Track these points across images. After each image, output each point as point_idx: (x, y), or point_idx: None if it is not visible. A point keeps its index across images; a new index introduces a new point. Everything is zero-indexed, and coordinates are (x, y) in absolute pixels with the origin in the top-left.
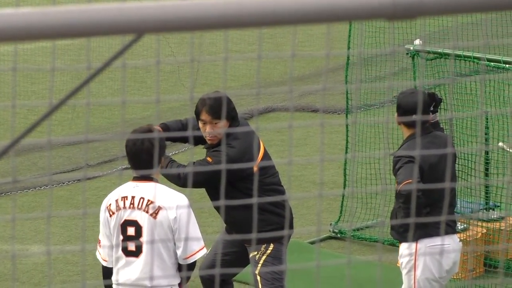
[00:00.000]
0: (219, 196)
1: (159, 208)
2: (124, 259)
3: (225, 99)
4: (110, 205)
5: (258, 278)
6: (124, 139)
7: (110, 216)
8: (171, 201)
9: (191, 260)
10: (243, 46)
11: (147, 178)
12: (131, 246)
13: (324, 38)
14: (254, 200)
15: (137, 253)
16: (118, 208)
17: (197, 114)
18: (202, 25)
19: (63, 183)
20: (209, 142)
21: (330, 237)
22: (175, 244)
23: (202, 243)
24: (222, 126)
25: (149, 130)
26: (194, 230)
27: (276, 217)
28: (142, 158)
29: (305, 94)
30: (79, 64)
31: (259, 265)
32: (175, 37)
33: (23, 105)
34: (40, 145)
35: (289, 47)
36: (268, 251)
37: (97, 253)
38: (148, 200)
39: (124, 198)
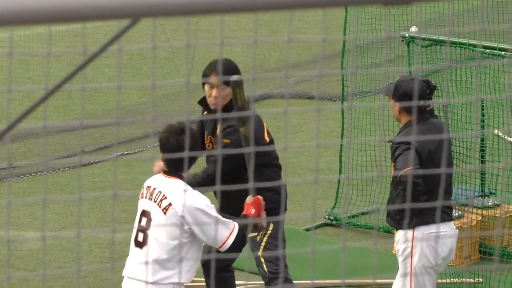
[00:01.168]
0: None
1: (170, 204)
2: (133, 248)
3: (236, 66)
4: (142, 189)
5: (262, 260)
6: (119, 125)
7: (139, 199)
8: (181, 199)
9: (226, 247)
10: (239, 32)
11: (174, 175)
12: (140, 237)
13: (320, 25)
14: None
15: (142, 244)
16: (142, 196)
17: (205, 76)
18: (198, 9)
19: (59, 170)
20: (212, 105)
21: (326, 224)
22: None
23: (229, 228)
24: (228, 93)
25: (183, 128)
26: (211, 224)
27: (275, 195)
28: (174, 153)
29: (300, 81)
30: (70, 50)
31: (262, 247)
32: (171, 24)
33: (18, 91)
34: (35, 131)
35: (285, 34)
36: (269, 232)
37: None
38: (164, 195)
39: (148, 188)
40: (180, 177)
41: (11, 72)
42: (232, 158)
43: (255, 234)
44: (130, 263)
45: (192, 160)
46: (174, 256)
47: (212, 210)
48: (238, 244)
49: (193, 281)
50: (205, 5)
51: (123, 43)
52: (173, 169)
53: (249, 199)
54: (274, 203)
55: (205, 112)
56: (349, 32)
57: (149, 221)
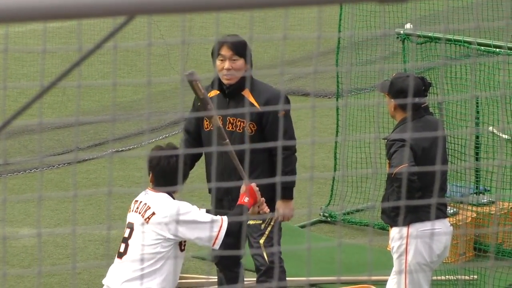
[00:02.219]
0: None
1: (153, 213)
2: (116, 258)
3: (244, 40)
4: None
5: (263, 248)
6: (114, 122)
7: (128, 212)
8: (166, 208)
9: (218, 245)
10: (234, 29)
11: (162, 191)
12: (122, 248)
13: (314, 22)
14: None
15: (123, 254)
16: (129, 210)
17: (216, 50)
18: (194, 7)
19: (53, 166)
20: (226, 81)
21: (320, 221)
22: (181, 246)
23: (218, 223)
24: (240, 65)
25: (173, 148)
26: (199, 222)
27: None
28: (165, 176)
29: (295, 78)
30: (66, 46)
31: (265, 235)
32: (165, 21)
33: (14, 87)
34: (30, 128)
35: (280, 31)
36: (273, 222)
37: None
38: (148, 206)
39: (136, 202)
40: (168, 194)
41: (7, 69)
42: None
43: (260, 221)
44: (110, 272)
45: (184, 179)
46: (151, 265)
47: (197, 213)
48: (237, 234)
49: (185, 278)
50: (202, 3)
51: (117, 40)
52: (163, 186)
53: (242, 188)
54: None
55: (216, 92)
56: (344, 29)
57: (131, 231)
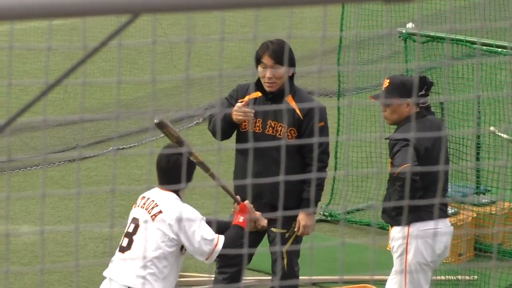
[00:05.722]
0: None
1: (160, 212)
2: (117, 252)
3: (288, 45)
4: (137, 200)
5: (285, 255)
6: (116, 119)
7: (133, 208)
8: (173, 209)
9: (211, 260)
10: (235, 28)
11: (170, 189)
12: (125, 242)
13: (317, 21)
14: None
15: (126, 249)
16: (135, 205)
17: (258, 58)
18: (199, 6)
19: (54, 163)
20: (268, 88)
21: (321, 220)
22: (181, 249)
23: (214, 242)
24: (281, 73)
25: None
26: (199, 236)
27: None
28: (169, 174)
29: (297, 76)
30: (70, 44)
31: (289, 243)
32: (168, 19)
33: (18, 85)
34: (31, 125)
35: (281, 29)
36: (296, 230)
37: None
38: (155, 203)
39: (143, 198)
40: (176, 193)
41: (11, 66)
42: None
43: (284, 230)
44: (113, 266)
45: (188, 179)
46: (154, 264)
47: (200, 225)
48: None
49: (185, 276)
50: (206, 1)
51: (119, 37)
52: (166, 184)
53: (235, 207)
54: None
55: (259, 94)
56: (346, 28)
57: (136, 227)
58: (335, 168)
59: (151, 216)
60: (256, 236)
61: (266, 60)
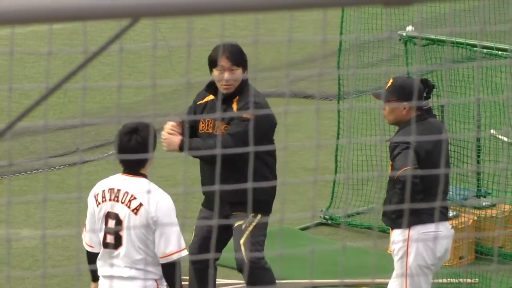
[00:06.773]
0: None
1: (141, 204)
2: (103, 250)
3: (241, 48)
4: (97, 194)
5: (243, 247)
6: (118, 123)
7: (97, 206)
8: (153, 199)
9: (166, 260)
10: (235, 31)
11: (136, 173)
12: (110, 239)
13: (315, 24)
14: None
15: (116, 245)
16: (103, 200)
17: (214, 61)
18: (199, 10)
19: (54, 168)
20: (224, 90)
21: (321, 223)
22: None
23: (182, 245)
24: (238, 75)
25: (138, 126)
26: (173, 231)
27: (272, 188)
28: (131, 153)
29: (296, 80)
30: (71, 48)
31: (245, 235)
32: (167, 22)
33: (18, 89)
34: (32, 129)
35: (281, 33)
36: (255, 222)
37: (82, 236)
38: (132, 195)
39: (111, 190)
40: (144, 176)
41: (11, 71)
42: (247, 135)
43: (241, 222)
44: (104, 265)
45: (146, 159)
46: (150, 253)
47: (176, 228)
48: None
49: (183, 280)
50: (206, 5)
51: (119, 41)
52: (132, 168)
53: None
54: (267, 195)
55: (211, 97)
56: (345, 31)
57: (119, 222)
58: (336, 172)
59: (133, 211)
60: (222, 236)
61: (224, 62)
